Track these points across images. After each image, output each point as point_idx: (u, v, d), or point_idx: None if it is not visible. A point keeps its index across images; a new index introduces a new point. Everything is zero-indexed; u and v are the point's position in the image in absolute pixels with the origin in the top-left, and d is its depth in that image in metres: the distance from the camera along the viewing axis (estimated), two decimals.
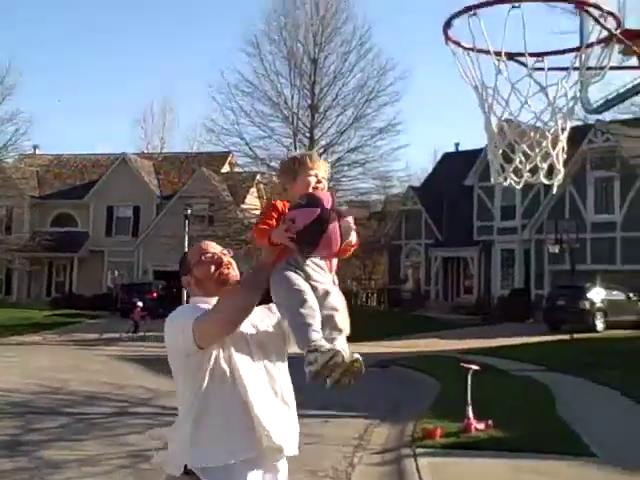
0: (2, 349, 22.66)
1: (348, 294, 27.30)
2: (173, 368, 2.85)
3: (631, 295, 27.22)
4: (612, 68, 3.09)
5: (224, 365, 2.67)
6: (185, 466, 2.67)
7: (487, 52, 2.92)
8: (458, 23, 3.01)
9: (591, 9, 2.74)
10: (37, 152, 46.90)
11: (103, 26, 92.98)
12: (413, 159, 78.91)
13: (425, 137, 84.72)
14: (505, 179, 2.90)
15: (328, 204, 2.51)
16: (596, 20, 2.64)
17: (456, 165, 39.11)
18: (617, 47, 3.04)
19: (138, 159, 45.49)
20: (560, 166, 2.81)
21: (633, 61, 3.15)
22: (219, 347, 2.67)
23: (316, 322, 2.43)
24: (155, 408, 12.51)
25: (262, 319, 2.85)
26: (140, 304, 28.44)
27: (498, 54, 2.88)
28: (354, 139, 30.00)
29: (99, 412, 12.04)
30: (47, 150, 48.04)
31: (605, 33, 2.89)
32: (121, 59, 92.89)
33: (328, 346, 2.35)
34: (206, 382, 2.68)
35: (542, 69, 3.01)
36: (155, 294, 32.66)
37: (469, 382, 9.30)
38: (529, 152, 2.96)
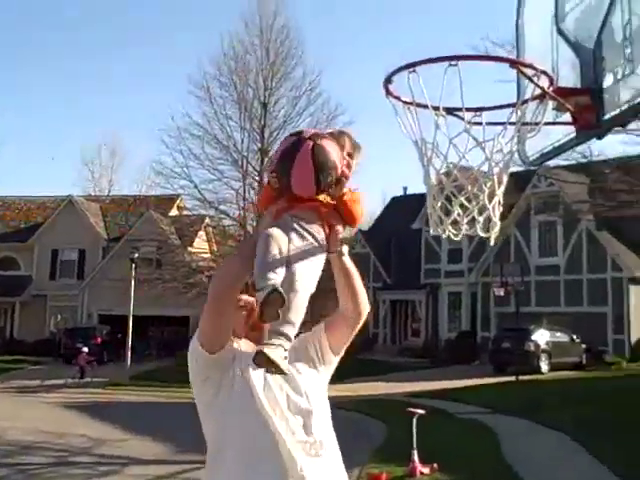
0: None
1: None
2: (199, 409, 2.73)
3: (574, 337, 27.71)
4: (547, 124, 3.19)
5: (241, 393, 2.56)
6: None
7: (426, 107, 2.99)
8: (399, 78, 3.07)
9: (525, 68, 2.84)
10: None
11: (55, 66, 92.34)
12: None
13: (373, 181, 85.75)
14: (444, 231, 2.95)
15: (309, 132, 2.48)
16: (529, 79, 2.73)
17: (404, 209, 39.57)
18: (551, 103, 3.15)
19: (85, 201, 44.97)
20: (496, 219, 2.88)
21: (567, 116, 3.26)
22: (233, 379, 2.58)
23: (273, 258, 2.40)
24: (96, 457, 12.24)
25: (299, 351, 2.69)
26: (86, 349, 27.86)
27: (437, 109, 2.96)
28: None
29: (38, 462, 11.70)
30: None
31: (539, 90, 3.00)
32: (68, 100, 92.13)
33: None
34: (222, 414, 2.59)
35: (480, 123, 3.09)
36: (99, 339, 32.04)
37: (414, 426, 9.32)
38: (467, 205, 3.02)
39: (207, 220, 33.95)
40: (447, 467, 9.72)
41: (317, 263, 2.57)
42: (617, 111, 2.93)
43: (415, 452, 9.55)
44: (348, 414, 17.35)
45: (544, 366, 26.38)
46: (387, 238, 38.30)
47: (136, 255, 30.30)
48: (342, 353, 2.83)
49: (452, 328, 35.78)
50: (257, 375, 2.55)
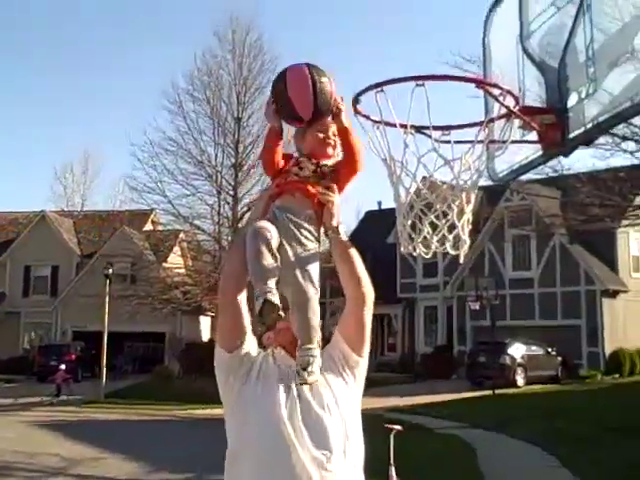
0: None
1: None
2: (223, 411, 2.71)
3: (550, 350, 27.87)
4: (514, 142, 3.22)
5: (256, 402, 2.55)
6: None
7: (395, 125, 3.01)
8: (368, 96, 3.09)
9: (491, 88, 2.87)
10: None
11: (25, 83, 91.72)
12: None
13: (348, 195, 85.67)
14: (414, 249, 2.97)
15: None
16: (495, 99, 2.76)
17: (379, 223, 39.64)
18: (517, 122, 3.18)
19: (58, 217, 44.61)
20: (466, 237, 2.90)
21: (534, 134, 3.29)
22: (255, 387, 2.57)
23: (267, 259, 2.47)
24: (70, 477, 12.07)
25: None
26: (63, 367, 27.55)
27: (405, 127, 2.98)
28: None
29: None
30: None
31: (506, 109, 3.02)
32: (42, 113, 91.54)
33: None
34: (241, 421, 2.56)
35: (449, 142, 3.12)
36: (74, 356, 31.67)
37: (392, 443, 9.30)
38: (437, 222, 3.04)
39: (182, 235, 33.83)
40: None
41: (314, 257, 2.63)
42: (582, 130, 2.97)
43: (393, 468, 9.53)
44: None
45: (520, 380, 26.50)
46: (362, 252, 37.78)
47: (110, 271, 30.07)
48: (366, 355, 2.72)
49: (428, 342, 35.85)
50: (281, 386, 2.54)
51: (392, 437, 9.48)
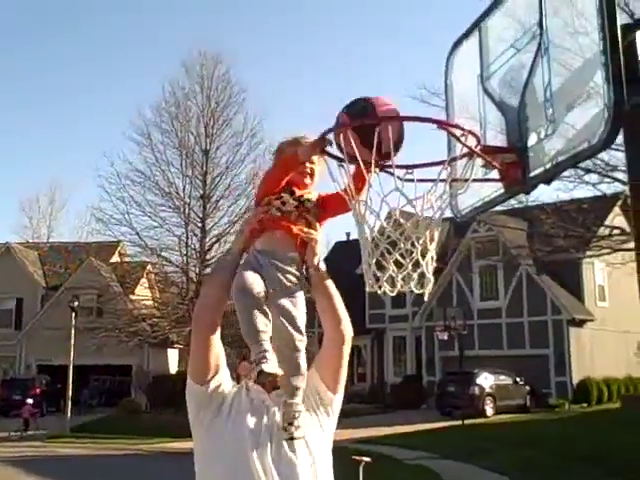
0: None
1: None
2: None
3: (518, 379, 28.02)
4: (475, 180, 3.26)
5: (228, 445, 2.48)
6: None
7: (358, 163, 3.04)
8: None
9: (453, 129, 2.92)
10: None
11: None
12: None
13: None
14: (380, 288, 2.99)
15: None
16: (457, 139, 2.80)
17: (347, 254, 39.71)
18: (479, 160, 3.23)
19: (23, 249, 44.10)
20: (430, 275, 2.93)
21: (496, 173, 3.34)
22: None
23: (261, 318, 2.46)
24: None
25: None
26: (30, 401, 27.05)
27: (369, 165, 3.00)
28: None
29: None
30: None
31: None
32: (6, 143, 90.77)
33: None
34: (210, 461, 2.51)
35: (412, 180, 3.15)
36: (38, 390, 31.08)
37: (361, 475, 9.26)
38: (402, 261, 3.06)
39: (149, 267, 33.59)
40: None
41: (300, 301, 2.61)
42: (542, 169, 3.02)
43: None
44: None
45: (489, 409, 26.59)
46: None
47: (76, 303, 29.70)
48: (340, 391, 2.69)
49: (398, 372, 35.85)
50: (253, 423, 2.48)
51: (361, 469, 9.44)
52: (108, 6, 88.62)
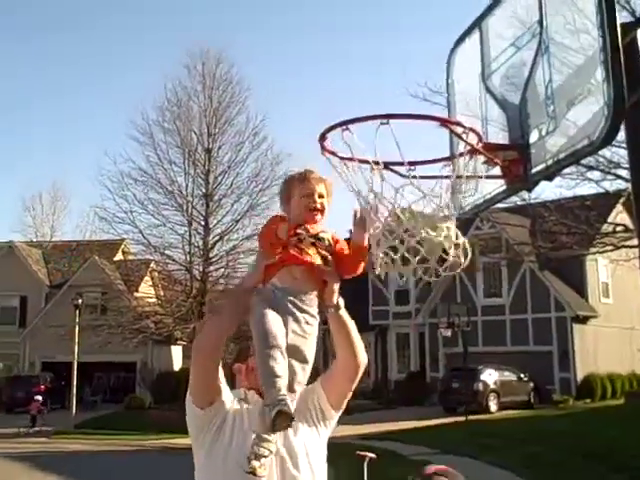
0: None
1: None
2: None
3: (522, 375, 28.01)
4: (478, 177, 3.30)
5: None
6: None
7: (363, 161, 3.07)
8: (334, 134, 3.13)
9: (454, 126, 2.95)
10: None
11: None
12: None
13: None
14: (386, 274, 3.01)
15: None
16: (458, 136, 2.84)
17: None
18: (481, 157, 3.26)
19: (26, 247, 44.20)
20: (458, 258, 2.95)
21: (498, 169, 3.37)
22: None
23: (280, 365, 2.37)
24: None
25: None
26: (39, 398, 27.16)
27: (377, 163, 3.04)
28: (249, 227, 30.12)
29: None
30: None
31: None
32: (8, 142, 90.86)
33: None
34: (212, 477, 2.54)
35: (415, 177, 3.19)
36: (43, 387, 31.12)
37: (365, 470, 9.29)
38: (418, 247, 3.10)
39: (152, 265, 33.61)
40: None
41: (313, 339, 2.57)
42: (543, 166, 3.05)
43: None
44: None
45: (493, 405, 26.59)
46: None
47: (80, 301, 29.83)
48: (343, 407, 2.75)
49: (401, 369, 35.88)
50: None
51: (366, 464, 9.47)
52: (109, 5, 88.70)
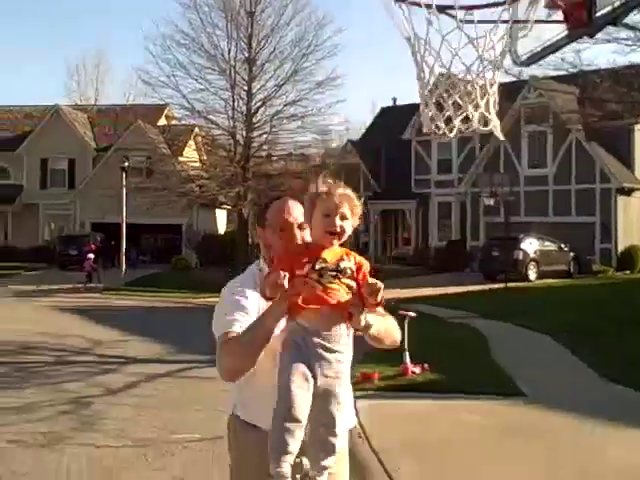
0: None
1: None
2: None
3: (562, 245, 28.06)
4: (538, 22, 3.24)
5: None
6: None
7: (418, 5, 3.04)
8: None
9: None
10: None
11: None
12: (352, 113, 79.07)
13: (364, 91, 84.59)
14: (437, 128, 3.05)
15: None
16: None
17: (394, 119, 39.35)
18: (543, 1, 3.19)
19: (72, 111, 44.50)
20: (492, 116, 2.97)
21: (559, 14, 3.29)
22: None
23: (295, 442, 2.29)
24: (95, 357, 12.59)
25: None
26: (92, 256, 28.22)
27: (429, 6, 3.01)
28: (292, 93, 29.77)
29: (38, 361, 12.06)
30: None
31: None
32: (51, 8, 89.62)
33: None
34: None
35: (472, 21, 3.15)
36: (94, 246, 32.27)
37: (406, 329, 9.60)
38: (460, 102, 3.10)
39: (196, 130, 33.70)
40: (437, 367, 10.11)
41: (347, 370, 2.50)
42: (609, 7, 2.98)
43: (407, 353, 9.90)
44: None
45: (532, 274, 26.81)
46: (377, 148, 38.22)
47: (126, 164, 30.30)
48: None
49: (442, 237, 36.15)
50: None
51: (406, 324, 9.78)
52: None
